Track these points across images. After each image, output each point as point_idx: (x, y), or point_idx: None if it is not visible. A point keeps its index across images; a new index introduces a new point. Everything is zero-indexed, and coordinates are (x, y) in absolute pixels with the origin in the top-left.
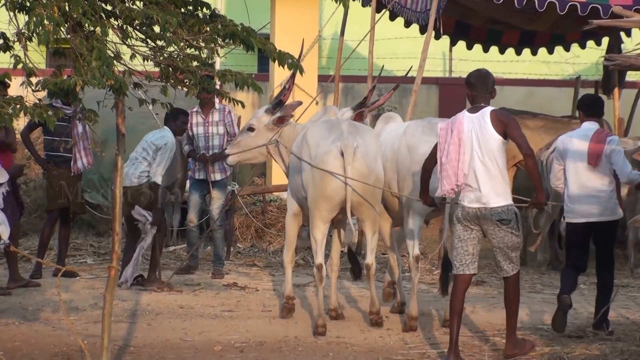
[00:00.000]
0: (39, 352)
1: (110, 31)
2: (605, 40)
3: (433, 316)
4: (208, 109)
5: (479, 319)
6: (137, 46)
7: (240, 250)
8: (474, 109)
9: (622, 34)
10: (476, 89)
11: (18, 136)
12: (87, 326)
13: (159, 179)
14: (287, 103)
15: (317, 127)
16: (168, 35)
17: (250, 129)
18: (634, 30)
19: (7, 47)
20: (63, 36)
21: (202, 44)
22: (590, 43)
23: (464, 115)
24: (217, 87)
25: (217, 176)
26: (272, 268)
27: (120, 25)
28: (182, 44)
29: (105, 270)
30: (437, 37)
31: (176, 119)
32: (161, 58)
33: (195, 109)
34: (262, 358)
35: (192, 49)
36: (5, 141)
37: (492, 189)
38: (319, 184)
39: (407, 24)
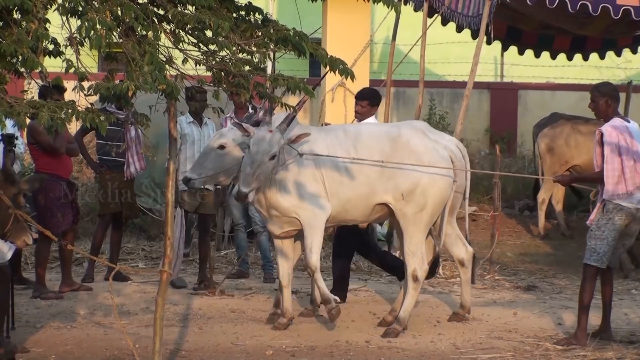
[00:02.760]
0: (90, 356)
1: (163, 35)
2: None
3: (484, 321)
4: (242, 114)
5: (531, 324)
6: (189, 50)
7: None
8: (624, 119)
9: None
10: (616, 101)
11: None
12: (138, 330)
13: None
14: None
15: (414, 132)
16: (220, 39)
17: (273, 157)
18: None
19: (58, 53)
20: (115, 40)
21: (254, 49)
22: None
23: (628, 124)
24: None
25: None
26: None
27: (172, 29)
28: (234, 48)
29: (157, 274)
30: (489, 42)
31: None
32: (213, 62)
33: (229, 115)
34: None
35: (244, 54)
36: (53, 145)
37: None
38: (443, 191)
39: (459, 29)
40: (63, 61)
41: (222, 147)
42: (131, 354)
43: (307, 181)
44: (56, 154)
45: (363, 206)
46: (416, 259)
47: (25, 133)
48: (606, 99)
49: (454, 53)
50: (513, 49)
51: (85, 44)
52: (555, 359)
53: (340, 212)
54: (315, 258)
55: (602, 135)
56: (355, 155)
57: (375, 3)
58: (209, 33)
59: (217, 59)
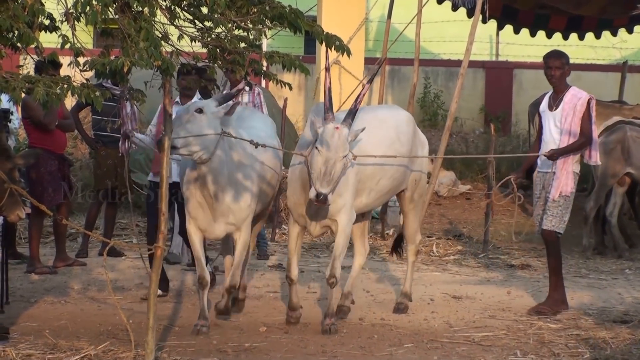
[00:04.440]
0: (84, 331)
1: (159, 12)
2: None
3: (477, 299)
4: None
5: (524, 303)
6: (185, 27)
7: (285, 231)
8: None
9: None
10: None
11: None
12: (132, 305)
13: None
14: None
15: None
16: (216, 16)
17: (345, 156)
18: None
19: (54, 28)
20: (111, 16)
21: (250, 26)
22: (638, 28)
23: None
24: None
25: None
26: (317, 250)
27: (168, 5)
28: (230, 25)
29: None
30: (484, 20)
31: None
32: (209, 39)
33: (225, 91)
34: (307, 339)
35: (240, 30)
36: (42, 120)
37: None
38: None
39: (454, 8)
40: (59, 37)
41: (200, 110)
42: (125, 329)
43: (352, 182)
44: (47, 129)
45: (389, 195)
46: (417, 236)
47: (20, 108)
48: (567, 68)
49: (449, 32)
50: (508, 28)
51: (81, 19)
52: (549, 337)
53: (375, 204)
54: (340, 268)
55: (591, 101)
56: (400, 147)
57: None
58: (204, 10)
59: (213, 36)
